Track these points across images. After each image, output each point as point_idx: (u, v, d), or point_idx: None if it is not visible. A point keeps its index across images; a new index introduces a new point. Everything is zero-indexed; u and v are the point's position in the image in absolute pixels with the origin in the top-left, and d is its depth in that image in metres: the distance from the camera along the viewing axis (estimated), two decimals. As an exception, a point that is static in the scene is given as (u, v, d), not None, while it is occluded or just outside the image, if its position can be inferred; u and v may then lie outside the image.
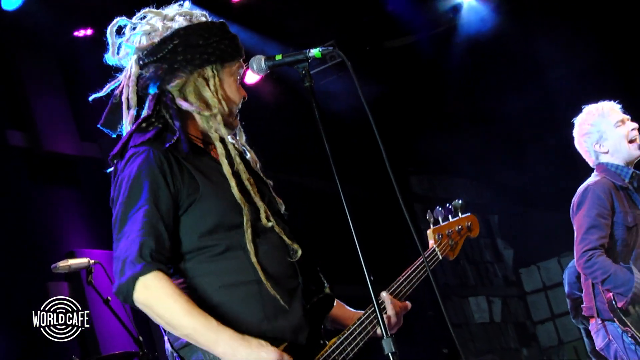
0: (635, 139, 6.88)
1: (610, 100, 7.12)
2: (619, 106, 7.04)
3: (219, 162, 4.09)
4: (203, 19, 4.27)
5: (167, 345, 4.05)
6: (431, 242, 4.88)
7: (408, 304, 4.49)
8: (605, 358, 7.79)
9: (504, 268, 16.70)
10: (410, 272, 4.55)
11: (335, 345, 4.09)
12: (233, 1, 11.33)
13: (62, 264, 7.72)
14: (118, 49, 4.24)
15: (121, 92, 4.19)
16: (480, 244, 16.32)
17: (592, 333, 6.99)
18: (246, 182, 4.09)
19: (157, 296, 3.76)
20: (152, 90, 4.14)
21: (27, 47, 10.61)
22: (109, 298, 7.73)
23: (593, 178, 6.97)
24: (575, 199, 6.92)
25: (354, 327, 4.18)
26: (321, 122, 4.08)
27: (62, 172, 10.73)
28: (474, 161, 15.57)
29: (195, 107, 4.09)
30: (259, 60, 4.25)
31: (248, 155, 4.36)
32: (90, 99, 4.31)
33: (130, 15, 4.31)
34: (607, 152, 6.93)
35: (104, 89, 4.29)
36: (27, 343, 9.34)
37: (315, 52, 4.21)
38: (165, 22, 4.21)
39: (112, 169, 4.15)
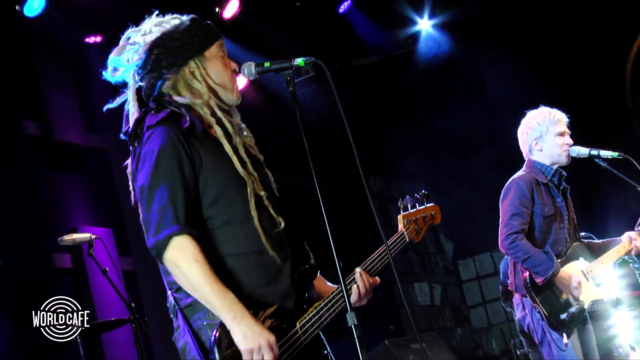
0: (567, 150, 6.93)
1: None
2: (567, 120, 7.07)
3: (219, 141, 4.09)
4: (175, 21, 4.27)
5: (171, 300, 4.07)
6: (400, 226, 4.81)
7: (377, 279, 4.45)
8: (530, 336, 7.84)
9: (444, 259, 16.74)
10: (379, 253, 4.48)
11: (315, 311, 4.09)
12: (224, 18, 11.31)
13: (67, 237, 7.71)
14: (114, 69, 4.28)
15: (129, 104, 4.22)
16: (425, 237, 16.24)
17: (514, 306, 7.02)
18: (244, 157, 4.11)
19: (187, 258, 3.79)
20: (151, 96, 4.19)
21: (43, 49, 10.58)
22: (107, 269, 7.69)
23: (520, 172, 7.09)
24: (504, 189, 7.01)
25: (331, 296, 4.16)
26: (301, 121, 4.10)
27: (70, 159, 10.71)
28: (424, 166, 15.63)
29: (188, 99, 4.11)
30: (250, 66, 4.24)
31: (244, 133, 4.37)
32: (105, 109, 4.36)
33: (137, 25, 4.34)
34: (540, 151, 7.02)
35: (115, 102, 4.33)
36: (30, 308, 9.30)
37: (299, 61, 4.20)
38: (145, 36, 4.23)
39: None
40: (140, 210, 4.01)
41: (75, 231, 8.29)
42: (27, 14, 9.63)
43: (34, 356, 8.99)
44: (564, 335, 6.63)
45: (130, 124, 4.15)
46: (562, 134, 7.00)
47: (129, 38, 4.27)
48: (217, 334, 3.81)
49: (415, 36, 14.16)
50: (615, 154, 6.92)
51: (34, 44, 10.47)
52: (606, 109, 13.12)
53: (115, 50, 4.28)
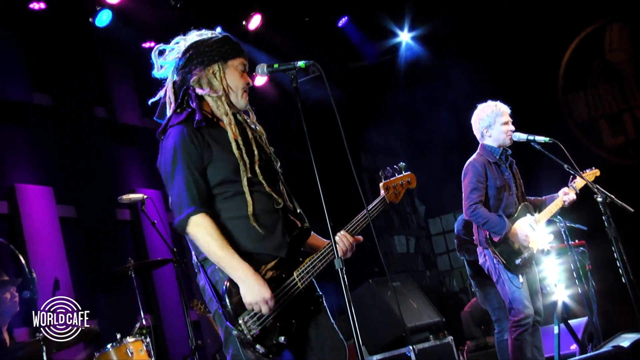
0: (510, 135, 6.99)
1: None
2: (510, 111, 7.12)
3: (225, 130, 4.16)
4: (211, 34, 4.35)
5: (194, 258, 4.14)
6: (382, 192, 4.79)
7: (360, 237, 4.47)
8: (480, 277, 7.90)
9: (418, 217, 16.71)
10: (362, 215, 4.49)
11: (310, 262, 4.15)
12: (249, 29, 11.35)
13: (125, 196, 7.75)
14: (160, 66, 4.34)
15: (165, 94, 4.31)
16: (403, 200, 16.28)
17: (478, 255, 7.10)
18: (240, 143, 4.14)
19: (202, 232, 3.94)
20: (182, 88, 4.24)
21: (110, 51, 10.63)
22: (155, 222, 7.70)
23: (474, 156, 7.18)
24: (463, 170, 7.10)
25: (323, 250, 4.22)
26: (302, 111, 4.15)
27: (129, 137, 10.79)
28: (405, 145, 15.64)
29: (206, 91, 4.19)
30: (262, 67, 4.29)
31: (258, 128, 4.41)
32: (149, 102, 4.45)
33: (183, 33, 4.40)
34: (490, 136, 7.08)
35: (157, 95, 4.39)
36: (98, 250, 9.36)
37: (301, 63, 4.25)
38: (185, 41, 4.30)
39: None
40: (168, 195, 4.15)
41: (133, 192, 8.33)
42: (98, 25, 9.69)
43: (98, 288, 9.07)
44: (520, 276, 6.76)
45: (163, 123, 4.26)
46: (506, 123, 7.06)
47: (177, 43, 4.32)
48: (227, 285, 3.93)
49: (397, 45, 14.20)
50: (547, 139, 6.92)
51: (103, 47, 10.52)
52: (542, 103, 13.13)
53: (167, 51, 4.34)
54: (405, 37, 14.03)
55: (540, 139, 6.96)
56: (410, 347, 9.83)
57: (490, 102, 7.20)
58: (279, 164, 4.43)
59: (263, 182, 4.16)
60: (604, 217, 6.50)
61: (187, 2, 10.45)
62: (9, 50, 9.23)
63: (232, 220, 4.07)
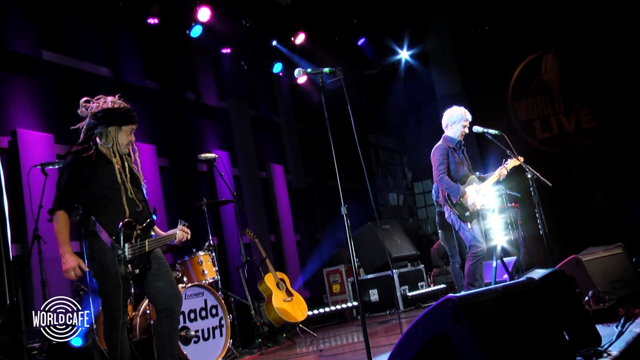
0: (463, 135, 7.00)
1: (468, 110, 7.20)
2: (471, 119, 7.05)
3: (112, 164, 4.44)
4: (117, 105, 4.47)
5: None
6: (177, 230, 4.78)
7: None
8: (446, 227, 7.95)
9: (406, 181, 16.75)
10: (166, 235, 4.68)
11: (147, 241, 4.44)
12: (296, 44, 11.41)
13: (203, 155, 7.70)
14: (85, 109, 4.50)
15: (82, 128, 4.54)
16: (397, 169, 16.36)
17: (443, 209, 7.12)
18: (122, 175, 4.44)
19: (61, 221, 4.27)
20: (89, 132, 4.49)
21: (199, 54, 10.65)
22: (222, 174, 7.72)
23: (440, 142, 7.08)
24: (432, 151, 7.03)
25: (161, 236, 4.61)
26: (326, 103, 4.27)
27: (209, 113, 10.76)
28: (399, 129, 15.62)
29: (102, 142, 4.45)
30: (299, 70, 4.68)
31: (137, 169, 4.63)
32: (71, 128, 4.63)
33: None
34: (451, 129, 7.04)
35: (78, 125, 4.56)
36: (184, 193, 9.47)
37: (326, 69, 4.58)
38: (103, 103, 4.46)
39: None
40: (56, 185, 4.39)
41: (209, 152, 8.37)
42: (192, 35, 9.87)
43: (181, 215, 9.18)
44: (468, 223, 6.77)
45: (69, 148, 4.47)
46: (465, 127, 6.97)
47: (98, 99, 4.51)
48: (120, 229, 4.29)
49: (399, 61, 14.25)
50: (496, 132, 6.95)
51: (194, 50, 10.59)
52: (496, 106, 13.17)
53: (92, 101, 4.51)
54: (404, 54, 14.09)
55: (492, 131, 6.99)
56: (394, 271, 9.95)
57: (463, 108, 7.11)
58: (143, 180, 4.65)
59: (134, 194, 4.46)
60: (531, 188, 6.58)
61: (254, 22, 10.53)
62: (132, 49, 9.34)
63: (113, 223, 4.30)
